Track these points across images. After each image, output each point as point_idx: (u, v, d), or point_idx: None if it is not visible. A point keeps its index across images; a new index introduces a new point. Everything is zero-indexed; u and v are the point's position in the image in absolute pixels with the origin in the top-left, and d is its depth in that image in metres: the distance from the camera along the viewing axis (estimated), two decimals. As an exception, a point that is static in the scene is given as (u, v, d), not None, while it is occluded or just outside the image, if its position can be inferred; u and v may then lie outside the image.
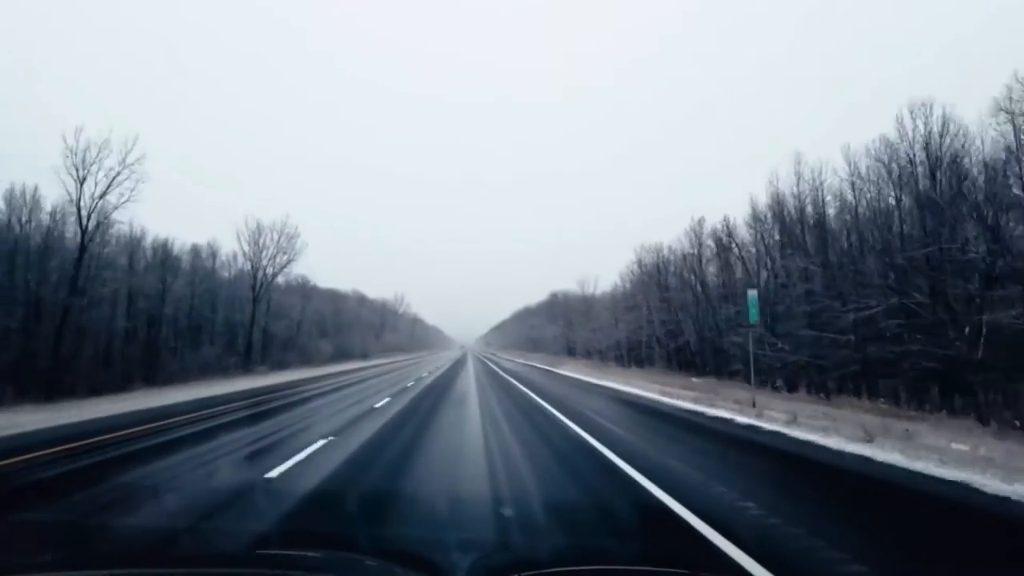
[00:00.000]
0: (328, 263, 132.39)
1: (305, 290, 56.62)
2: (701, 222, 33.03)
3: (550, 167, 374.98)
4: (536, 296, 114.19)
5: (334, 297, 70.67)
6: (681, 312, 34.59)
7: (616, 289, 51.52)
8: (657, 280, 38.88)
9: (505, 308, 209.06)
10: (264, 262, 40.60)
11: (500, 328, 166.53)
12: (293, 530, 4.69)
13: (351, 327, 71.68)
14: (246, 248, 40.03)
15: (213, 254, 39.12)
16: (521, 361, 61.24)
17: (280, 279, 52.08)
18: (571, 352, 62.91)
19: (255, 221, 41.33)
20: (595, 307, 60.45)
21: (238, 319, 40.50)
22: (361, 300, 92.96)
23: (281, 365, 43.79)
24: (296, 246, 41.57)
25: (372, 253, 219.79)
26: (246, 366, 37.44)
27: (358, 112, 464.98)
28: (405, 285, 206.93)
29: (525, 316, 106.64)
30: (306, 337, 54.21)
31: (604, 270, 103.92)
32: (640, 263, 42.35)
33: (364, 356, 65.02)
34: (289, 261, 41.50)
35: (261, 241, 40.22)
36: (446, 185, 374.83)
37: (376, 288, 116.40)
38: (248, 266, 40.47)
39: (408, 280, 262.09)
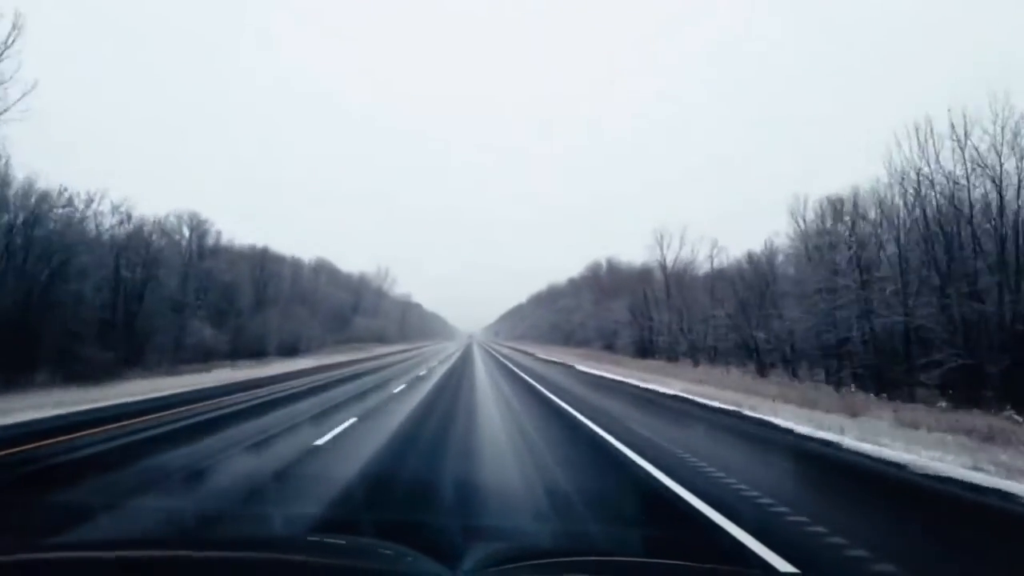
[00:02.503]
0: (328, 258, 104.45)
1: (176, 240, 30.70)
2: None
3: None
4: (548, 279, 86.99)
5: (259, 260, 44.78)
6: None
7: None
8: None
9: (514, 296, 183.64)
10: None
11: (514, 314, 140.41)
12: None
13: (288, 306, 45.76)
14: None
15: None
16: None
17: (117, 211, 26.32)
18: (646, 352, 36.74)
19: None
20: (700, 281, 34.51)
21: None
22: (326, 272, 67.01)
23: (66, 377, 18.17)
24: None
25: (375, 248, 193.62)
26: None
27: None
28: (406, 279, 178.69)
29: (549, 298, 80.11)
30: (166, 318, 28.41)
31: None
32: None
33: (292, 353, 39.03)
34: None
35: None
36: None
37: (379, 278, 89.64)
38: None
39: (409, 272, 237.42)
